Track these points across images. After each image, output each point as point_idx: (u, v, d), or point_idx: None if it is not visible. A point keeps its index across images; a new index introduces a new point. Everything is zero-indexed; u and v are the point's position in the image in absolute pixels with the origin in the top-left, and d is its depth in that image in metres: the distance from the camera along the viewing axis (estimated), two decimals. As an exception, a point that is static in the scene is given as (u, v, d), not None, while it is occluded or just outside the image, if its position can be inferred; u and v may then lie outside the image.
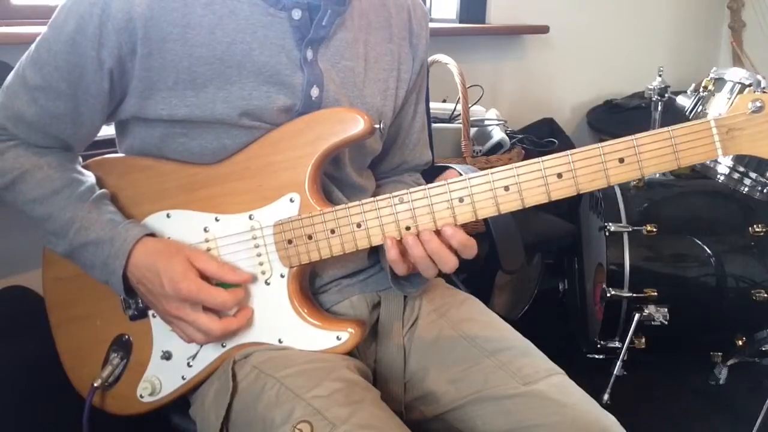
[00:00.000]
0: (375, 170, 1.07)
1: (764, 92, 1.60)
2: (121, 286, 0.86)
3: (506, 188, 0.80)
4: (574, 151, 0.78)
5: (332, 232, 0.85)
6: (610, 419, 0.85)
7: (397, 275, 0.88)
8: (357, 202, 0.84)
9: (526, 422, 0.83)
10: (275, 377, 0.83)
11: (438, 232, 0.82)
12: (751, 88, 1.62)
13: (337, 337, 0.87)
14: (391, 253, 0.83)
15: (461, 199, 0.81)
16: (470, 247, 0.82)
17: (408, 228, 0.83)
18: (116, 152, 0.97)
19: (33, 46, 0.87)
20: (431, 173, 1.14)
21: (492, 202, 0.80)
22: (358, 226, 0.84)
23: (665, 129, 0.77)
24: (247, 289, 0.88)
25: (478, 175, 0.80)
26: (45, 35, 0.85)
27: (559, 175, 0.78)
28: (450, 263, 0.82)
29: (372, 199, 0.83)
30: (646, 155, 0.77)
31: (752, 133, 0.75)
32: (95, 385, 0.94)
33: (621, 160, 0.77)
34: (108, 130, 0.98)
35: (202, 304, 0.84)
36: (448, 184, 0.81)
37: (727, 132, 0.76)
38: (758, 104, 0.75)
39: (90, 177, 0.93)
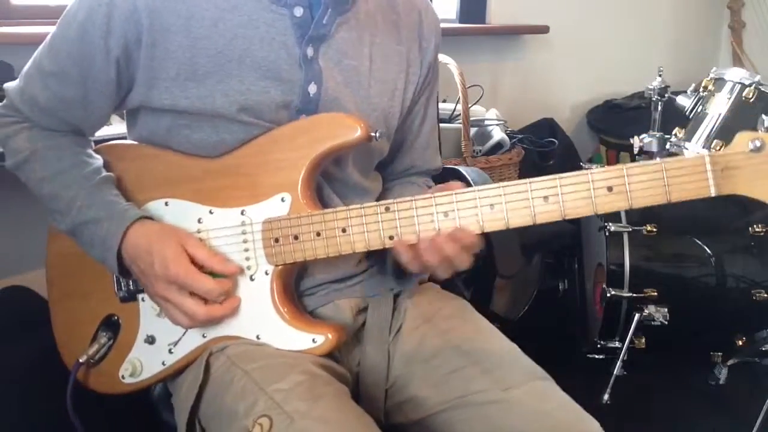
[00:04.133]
0: (384, 173, 1.07)
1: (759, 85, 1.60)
2: (116, 264, 0.88)
3: (491, 206, 0.80)
4: (563, 175, 0.78)
5: (318, 234, 0.86)
6: (592, 425, 0.84)
7: (397, 274, 0.89)
8: (344, 208, 0.85)
9: (505, 429, 0.83)
10: (244, 369, 0.84)
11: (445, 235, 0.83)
12: (751, 88, 1.62)
13: (313, 340, 0.87)
14: (405, 257, 0.84)
15: (446, 214, 0.81)
16: (478, 245, 0.82)
17: (391, 237, 0.83)
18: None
19: (49, 35, 0.91)
20: (439, 177, 1.14)
21: (476, 219, 0.81)
22: (343, 231, 0.85)
23: (657, 161, 0.75)
24: (233, 282, 0.89)
25: (465, 191, 0.81)
26: (59, 25, 0.89)
27: (545, 198, 0.78)
28: (466, 262, 0.83)
29: (359, 206, 0.84)
30: (635, 186, 0.76)
31: (750, 172, 0.74)
32: (80, 360, 0.95)
33: (609, 189, 0.77)
34: (119, 129, 1.01)
35: (189, 289, 0.85)
36: (434, 197, 0.82)
37: (722, 170, 0.74)
38: (758, 143, 0.73)
39: (97, 160, 0.95)
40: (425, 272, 0.86)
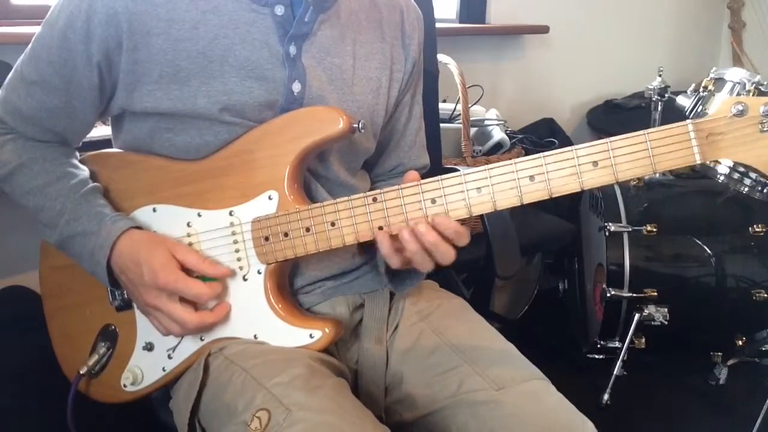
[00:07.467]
0: (371, 172, 1.07)
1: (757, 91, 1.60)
2: (106, 276, 0.88)
3: (478, 190, 0.80)
4: (547, 153, 0.77)
5: (307, 230, 0.86)
6: (585, 426, 0.83)
7: (392, 274, 0.88)
8: (332, 201, 0.85)
9: (497, 429, 0.83)
10: (243, 367, 0.85)
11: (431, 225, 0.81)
12: (751, 88, 1.62)
13: (310, 335, 0.88)
14: (384, 247, 0.82)
15: (433, 200, 0.81)
16: (463, 234, 0.81)
17: (381, 228, 0.83)
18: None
19: (30, 44, 0.89)
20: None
21: (464, 203, 0.81)
22: (332, 224, 0.85)
23: (641, 132, 0.74)
24: (225, 285, 0.89)
25: (451, 176, 0.81)
26: (40, 32, 0.88)
27: (532, 178, 0.78)
28: (448, 255, 0.81)
29: (346, 198, 0.84)
30: (620, 159, 0.75)
31: (733, 137, 0.72)
32: (81, 372, 0.95)
33: (595, 164, 0.76)
34: (107, 131, 1.00)
35: (179, 295, 0.85)
36: (420, 184, 0.81)
37: (706, 137, 0.73)
38: (740, 108, 0.72)
39: (84, 171, 0.95)
40: (406, 265, 0.85)
